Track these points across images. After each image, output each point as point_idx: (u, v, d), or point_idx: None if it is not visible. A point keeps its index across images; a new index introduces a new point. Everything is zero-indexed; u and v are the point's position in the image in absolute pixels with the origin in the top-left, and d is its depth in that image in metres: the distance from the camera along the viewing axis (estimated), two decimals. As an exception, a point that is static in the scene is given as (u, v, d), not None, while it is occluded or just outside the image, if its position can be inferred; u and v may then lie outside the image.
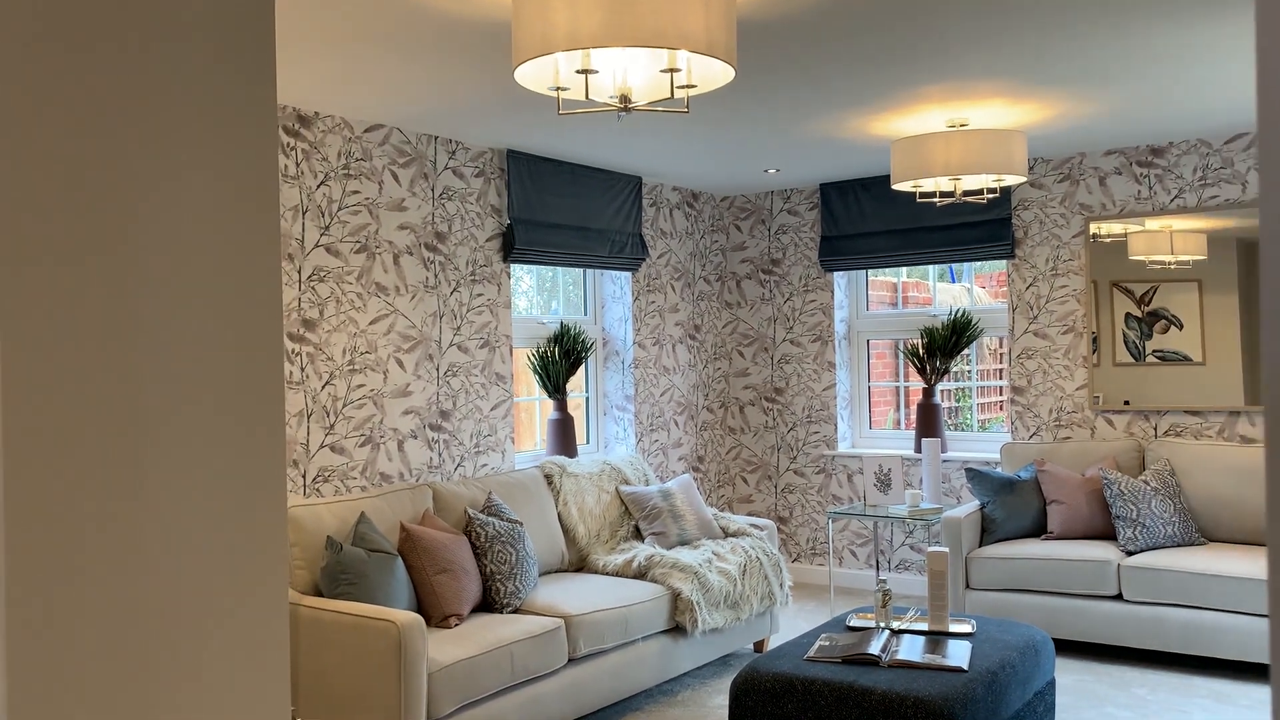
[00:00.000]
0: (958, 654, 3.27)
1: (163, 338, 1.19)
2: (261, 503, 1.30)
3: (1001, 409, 6.72)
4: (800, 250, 6.38)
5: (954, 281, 7.11)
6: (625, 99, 2.72)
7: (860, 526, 6.19)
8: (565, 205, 5.33)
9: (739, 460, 6.61)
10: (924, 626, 3.60)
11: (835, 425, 6.26)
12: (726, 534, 4.95)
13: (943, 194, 5.34)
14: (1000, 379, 6.51)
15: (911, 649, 3.34)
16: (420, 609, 3.76)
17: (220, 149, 1.26)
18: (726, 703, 4.24)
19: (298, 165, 4.12)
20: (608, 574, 4.54)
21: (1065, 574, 4.71)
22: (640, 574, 4.44)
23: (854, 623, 3.69)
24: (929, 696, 2.94)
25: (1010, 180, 4.56)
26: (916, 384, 6.42)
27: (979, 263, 6.02)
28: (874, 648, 3.30)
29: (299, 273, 4.12)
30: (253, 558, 1.29)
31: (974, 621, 3.66)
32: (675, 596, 4.31)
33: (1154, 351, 5.35)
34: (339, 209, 4.28)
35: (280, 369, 1.33)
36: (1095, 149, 5.41)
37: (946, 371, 5.95)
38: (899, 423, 6.65)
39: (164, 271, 1.19)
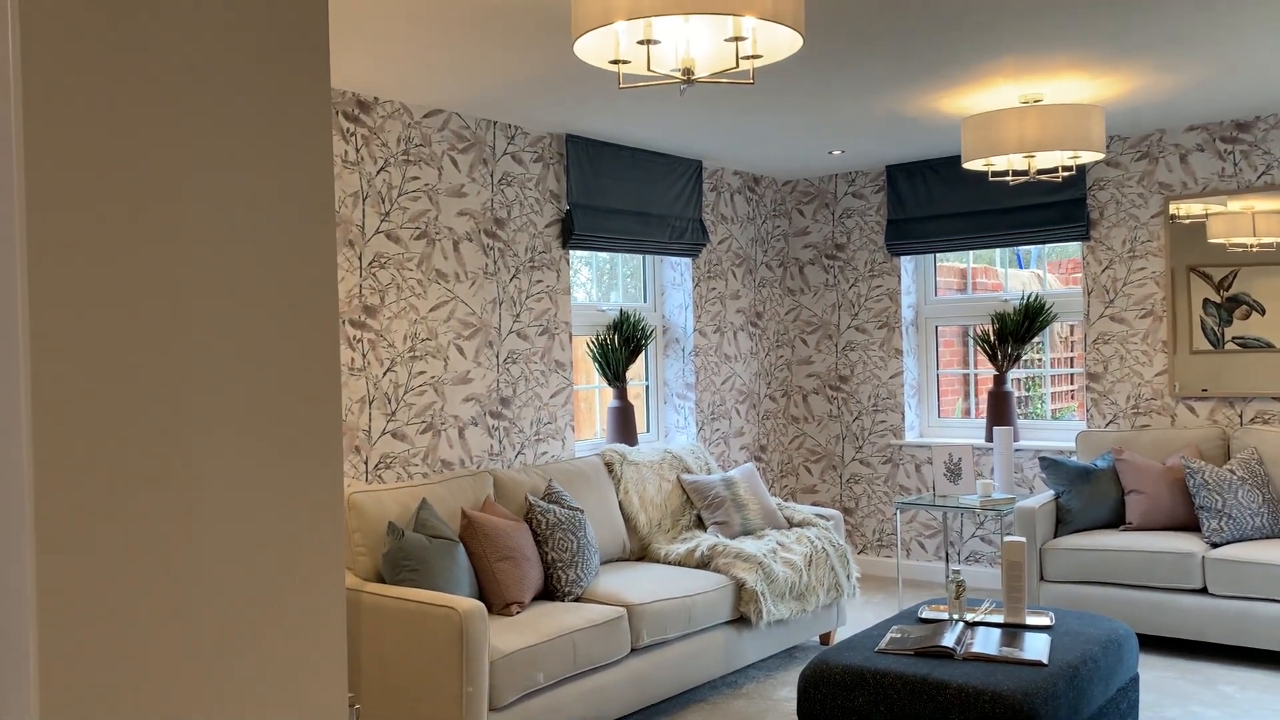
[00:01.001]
0: (1036, 647, 3.14)
1: (213, 325, 1.14)
2: (317, 487, 1.25)
3: (1072, 398, 6.51)
4: (866, 234, 6.23)
5: (1022, 267, 6.92)
6: (688, 71, 2.63)
7: (929, 518, 6.04)
8: (625, 190, 5.25)
9: (802, 450, 6.50)
10: (999, 619, 3.47)
11: (903, 414, 6.11)
12: (791, 524, 4.85)
13: (1015, 173, 5.17)
14: (1071, 366, 6.30)
15: (987, 642, 3.22)
16: (481, 596, 3.73)
17: (272, 135, 1.20)
18: (793, 695, 4.14)
19: (358, 151, 4.10)
20: (670, 563, 4.47)
21: (1146, 566, 4.53)
22: (703, 564, 4.35)
23: (926, 614, 3.57)
24: (1007, 691, 2.82)
25: (1087, 157, 4.39)
26: (986, 371, 6.24)
27: (1052, 245, 5.81)
28: (948, 640, 3.18)
29: (360, 259, 4.10)
30: (308, 543, 1.24)
31: (1052, 614, 3.52)
32: (739, 587, 4.23)
33: (1234, 338, 5.12)
34: (399, 195, 4.25)
35: (336, 353, 1.27)
36: (1176, 125, 5.19)
37: (1019, 358, 5.77)
38: (968, 411, 6.48)
39: (215, 258, 1.14)
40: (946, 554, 5.84)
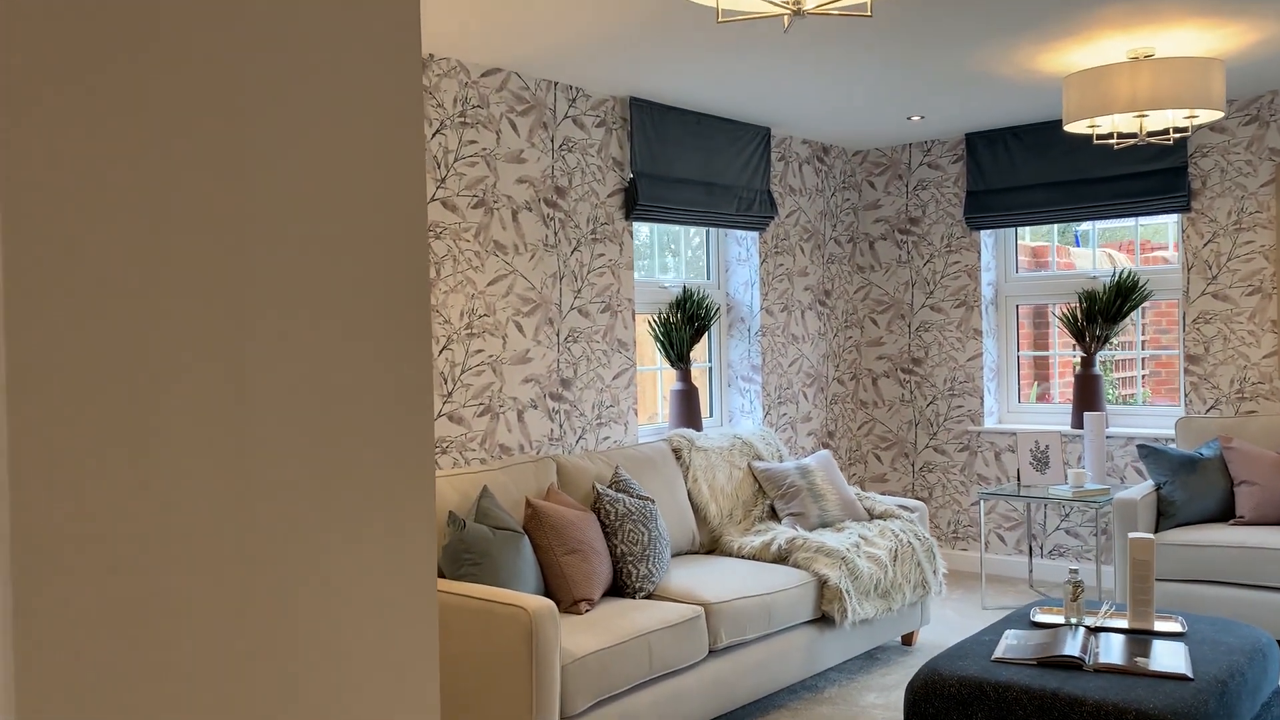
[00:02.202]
0: (1173, 658, 2.80)
1: (295, 299, 0.85)
2: (408, 478, 0.96)
3: (1144, 382, 6.11)
4: (942, 207, 5.86)
5: (1078, 245, 6.54)
6: (797, 2, 2.30)
7: (1008, 509, 5.68)
8: (690, 159, 4.93)
9: (871, 436, 6.15)
10: (1123, 624, 3.13)
11: (981, 398, 5.75)
12: (872, 516, 4.51)
13: (1121, 136, 4.77)
14: (1143, 349, 5.90)
15: (1115, 650, 2.88)
16: (548, 592, 3.44)
17: (360, 97, 0.92)
18: (879, 701, 3.82)
19: (411, 112, 3.80)
20: (743, 557, 4.16)
21: (1265, 564, 4.15)
22: (781, 558, 4.04)
23: (1040, 618, 3.23)
24: (1153, 709, 2.48)
25: (1205, 117, 4.00)
26: (1066, 353, 5.86)
27: (1118, 224, 5.40)
28: (1072, 648, 2.84)
29: (413, 228, 3.81)
30: (401, 543, 0.95)
31: (1182, 619, 3.16)
32: (822, 584, 3.91)
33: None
34: (455, 160, 3.96)
35: (428, 331, 0.99)
36: (1291, 85, 4.78)
37: (1107, 339, 5.38)
38: (1044, 396, 6.11)
39: (295, 230, 0.85)
40: (1030, 548, 5.48)
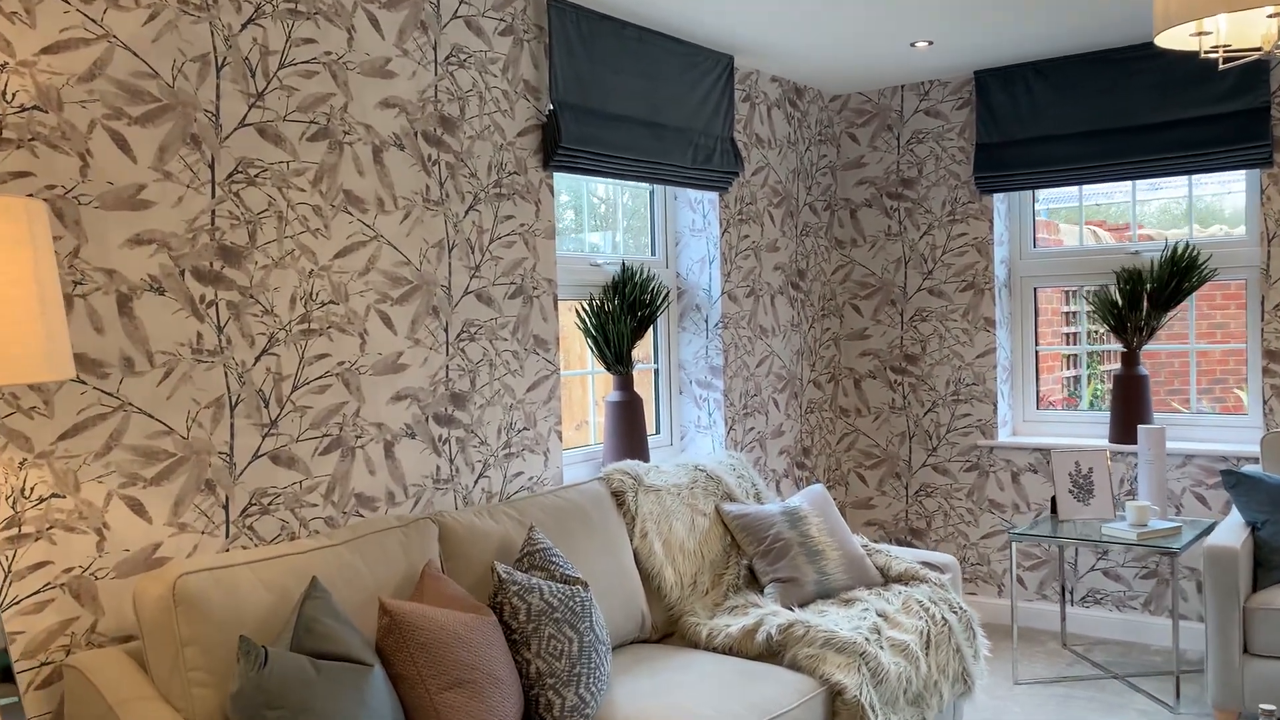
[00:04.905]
0: None
1: None
2: None
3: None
4: (944, 165, 4.66)
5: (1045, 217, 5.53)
6: None
7: (1030, 544, 4.52)
8: (632, 89, 3.63)
9: (853, 452, 4.94)
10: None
11: (994, 405, 4.57)
12: (887, 578, 3.29)
13: (1229, 53, 3.58)
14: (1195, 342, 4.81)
15: None
16: (417, 753, 2.13)
17: None
18: None
19: (207, -12, 2.45)
20: (715, 649, 2.89)
21: None
22: (771, 652, 2.79)
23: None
24: None
25: (1365, 17, 2.83)
26: (1109, 347, 4.72)
27: (1220, 173, 4.26)
28: None
29: (212, 168, 2.45)
30: None
31: None
32: (834, 695, 2.66)
33: None
34: (281, 66, 2.60)
35: None
36: None
37: (1155, 330, 4.25)
38: (1042, 400, 4.99)
39: None
40: (1063, 592, 4.32)
